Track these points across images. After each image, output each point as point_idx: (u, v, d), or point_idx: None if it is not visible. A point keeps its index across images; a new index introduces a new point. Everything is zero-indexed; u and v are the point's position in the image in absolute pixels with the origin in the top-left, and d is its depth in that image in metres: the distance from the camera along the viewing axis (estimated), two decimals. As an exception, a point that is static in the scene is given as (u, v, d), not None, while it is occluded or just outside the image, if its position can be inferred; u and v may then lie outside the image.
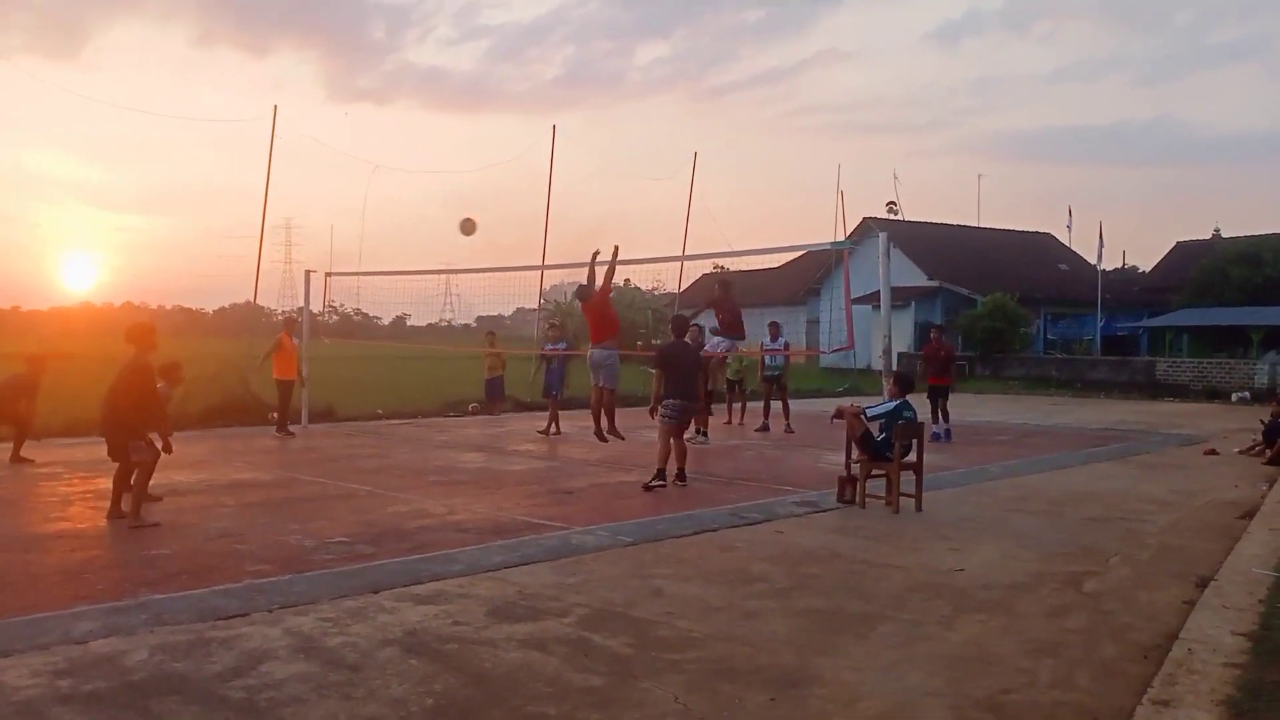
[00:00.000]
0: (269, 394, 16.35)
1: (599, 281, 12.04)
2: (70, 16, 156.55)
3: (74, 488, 9.84)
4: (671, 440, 10.02)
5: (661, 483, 9.90)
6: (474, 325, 47.50)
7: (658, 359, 10.36)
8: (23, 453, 11.43)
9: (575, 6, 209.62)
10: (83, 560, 6.80)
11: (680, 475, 10.13)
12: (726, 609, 5.66)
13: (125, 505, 8.12)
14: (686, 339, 10.72)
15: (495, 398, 18.79)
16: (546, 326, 17.67)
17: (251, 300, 25.87)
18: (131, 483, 8.19)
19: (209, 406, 16.39)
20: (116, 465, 8.31)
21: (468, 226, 16.39)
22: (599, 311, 11.86)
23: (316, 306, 18.75)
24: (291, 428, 15.36)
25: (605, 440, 11.90)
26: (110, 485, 8.39)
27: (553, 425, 15.58)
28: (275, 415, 15.99)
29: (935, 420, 15.05)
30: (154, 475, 8.44)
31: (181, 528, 7.87)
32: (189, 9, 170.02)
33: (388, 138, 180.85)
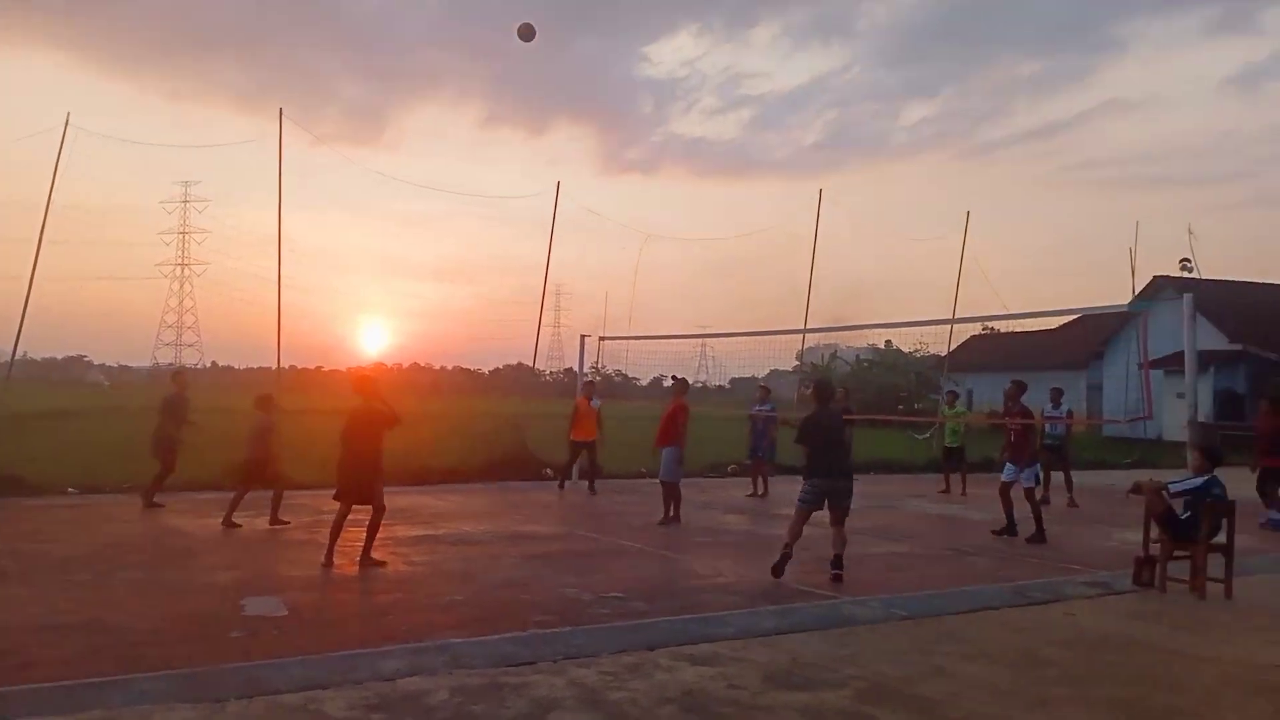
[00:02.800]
0: (543, 451, 17.19)
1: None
2: (373, 105, 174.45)
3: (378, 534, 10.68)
4: (833, 527, 8.74)
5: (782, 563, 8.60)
6: (728, 387, 47.89)
7: (798, 433, 9.07)
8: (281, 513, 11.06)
9: (837, 73, 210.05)
10: (387, 602, 7.38)
11: (836, 564, 8.65)
12: (1017, 694, 5.33)
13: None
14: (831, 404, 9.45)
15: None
16: (759, 389, 17.56)
17: (526, 363, 27.39)
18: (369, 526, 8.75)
19: (488, 461, 17.40)
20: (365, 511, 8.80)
21: (524, 31, 15.86)
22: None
23: (585, 368, 19.58)
24: (567, 484, 15.78)
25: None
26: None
27: (759, 487, 15.79)
28: (550, 471, 16.83)
29: (1268, 506, 13.18)
30: (445, 523, 9.07)
31: (471, 575, 8.39)
32: (477, 94, 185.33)
33: (654, 206, 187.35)
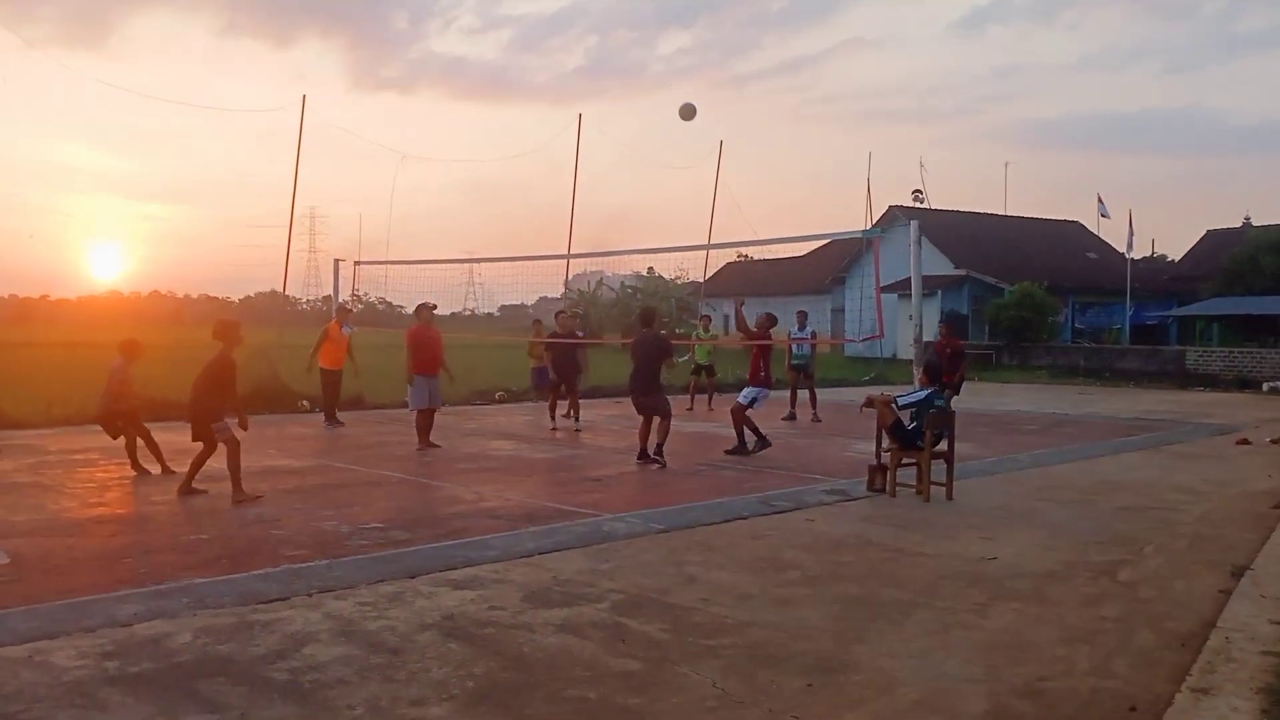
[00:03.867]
0: (298, 382, 16.47)
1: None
2: (95, 7, 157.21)
3: (110, 474, 9.98)
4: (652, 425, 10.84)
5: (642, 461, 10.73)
6: (497, 314, 47.65)
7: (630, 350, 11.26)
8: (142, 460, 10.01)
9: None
10: (123, 545, 6.91)
11: (656, 451, 10.66)
12: (760, 596, 5.69)
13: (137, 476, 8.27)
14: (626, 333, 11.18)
15: (542, 385, 18.58)
16: (554, 314, 17.71)
17: (278, 290, 26.08)
18: (227, 466, 8.58)
19: (239, 394, 16.41)
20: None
21: (686, 112, 15.93)
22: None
23: (344, 295, 18.88)
24: (341, 417, 14.98)
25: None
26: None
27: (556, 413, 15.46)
28: (306, 403, 16.16)
29: None
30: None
31: (219, 513, 7.99)
32: (213, 0, 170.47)
33: (412, 127, 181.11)
